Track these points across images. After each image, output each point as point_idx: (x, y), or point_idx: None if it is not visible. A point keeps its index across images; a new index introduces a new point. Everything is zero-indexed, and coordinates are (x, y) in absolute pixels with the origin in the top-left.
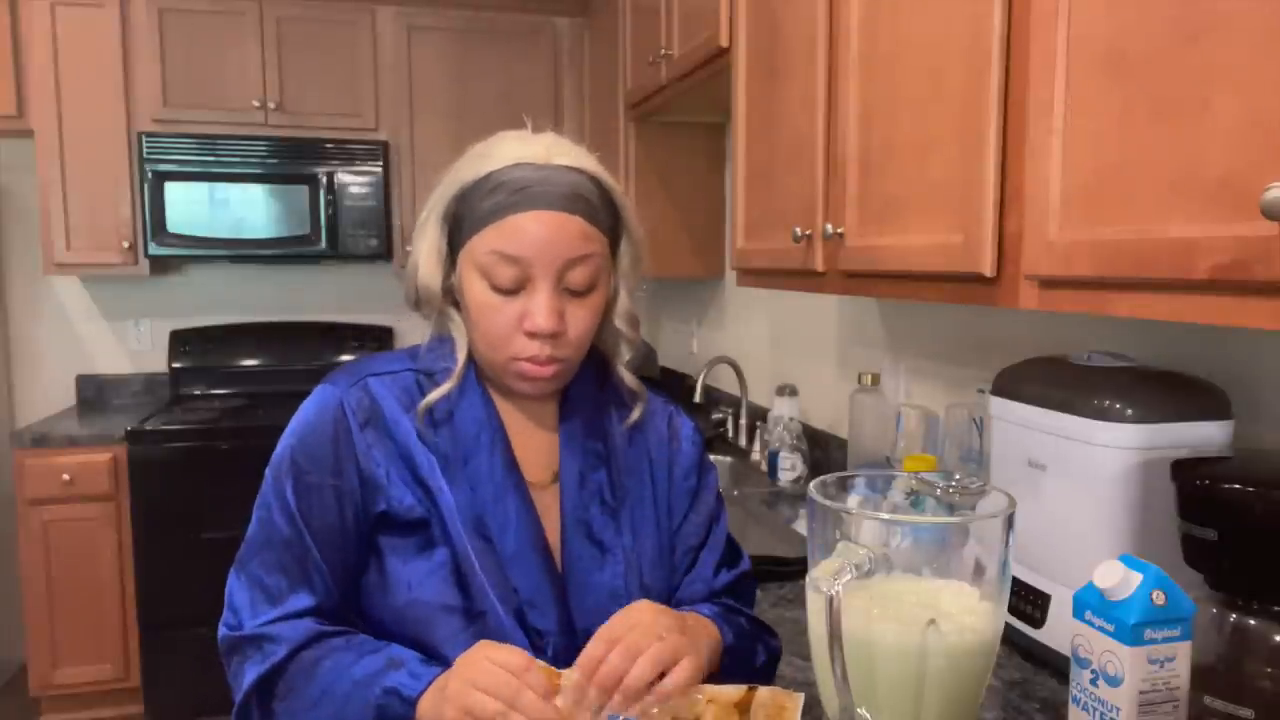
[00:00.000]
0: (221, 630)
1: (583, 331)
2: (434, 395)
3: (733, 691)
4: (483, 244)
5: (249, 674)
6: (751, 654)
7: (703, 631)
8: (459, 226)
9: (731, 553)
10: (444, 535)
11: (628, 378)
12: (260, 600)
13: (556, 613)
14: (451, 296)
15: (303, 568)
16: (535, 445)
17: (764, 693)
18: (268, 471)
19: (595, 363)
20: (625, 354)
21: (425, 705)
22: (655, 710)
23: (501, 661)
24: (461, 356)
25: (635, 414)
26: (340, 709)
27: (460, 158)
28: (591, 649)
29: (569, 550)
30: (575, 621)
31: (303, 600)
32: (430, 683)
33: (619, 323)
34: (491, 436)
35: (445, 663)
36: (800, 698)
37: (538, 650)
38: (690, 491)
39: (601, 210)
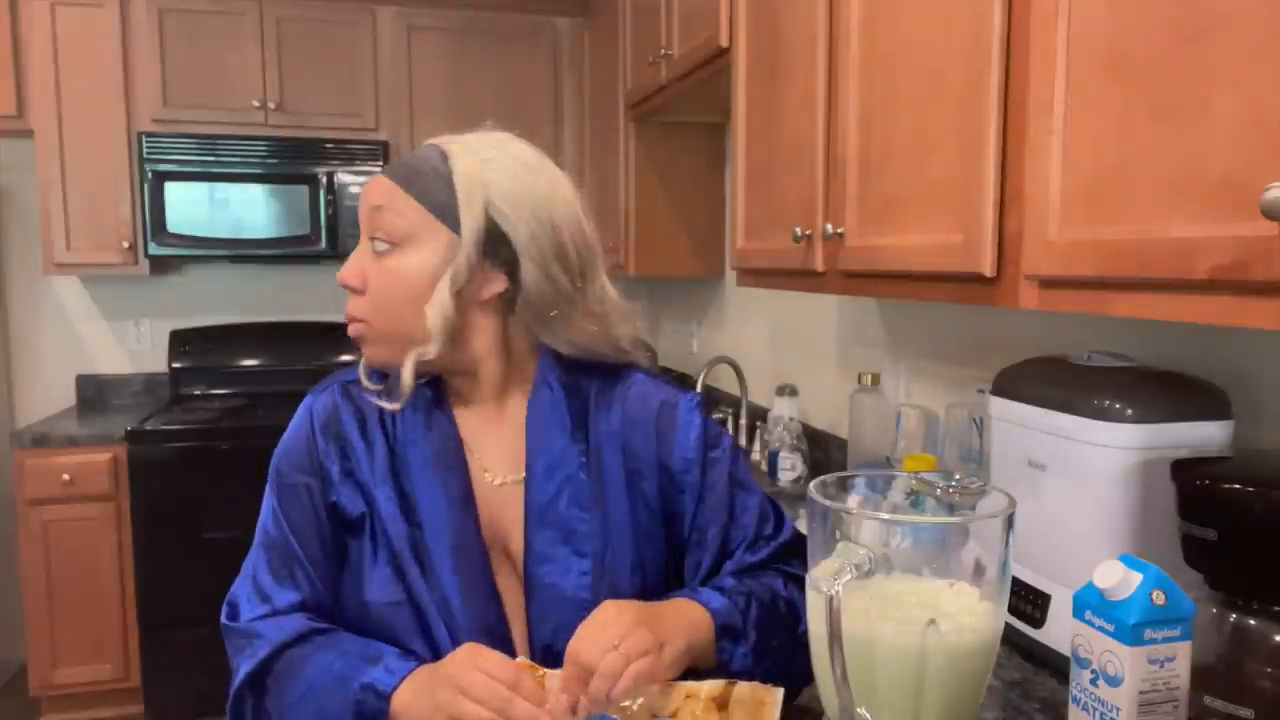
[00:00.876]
0: (222, 618)
1: (384, 291)
2: (373, 393)
3: (711, 686)
4: None
5: (241, 669)
6: (795, 618)
7: (675, 618)
8: None
9: (773, 522)
10: (384, 535)
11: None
12: (254, 597)
13: (495, 612)
14: None
15: (288, 566)
16: (499, 446)
17: (743, 688)
18: (266, 485)
19: (564, 360)
20: (567, 349)
21: (400, 700)
22: (631, 704)
23: (491, 671)
24: None
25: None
26: (322, 704)
27: None
28: (564, 672)
29: (532, 554)
30: (534, 625)
31: (289, 596)
32: (404, 678)
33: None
34: (436, 437)
35: (416, 656)
36: (779, 692)
37: None
38: (695, 482)
39: (432, 181)
